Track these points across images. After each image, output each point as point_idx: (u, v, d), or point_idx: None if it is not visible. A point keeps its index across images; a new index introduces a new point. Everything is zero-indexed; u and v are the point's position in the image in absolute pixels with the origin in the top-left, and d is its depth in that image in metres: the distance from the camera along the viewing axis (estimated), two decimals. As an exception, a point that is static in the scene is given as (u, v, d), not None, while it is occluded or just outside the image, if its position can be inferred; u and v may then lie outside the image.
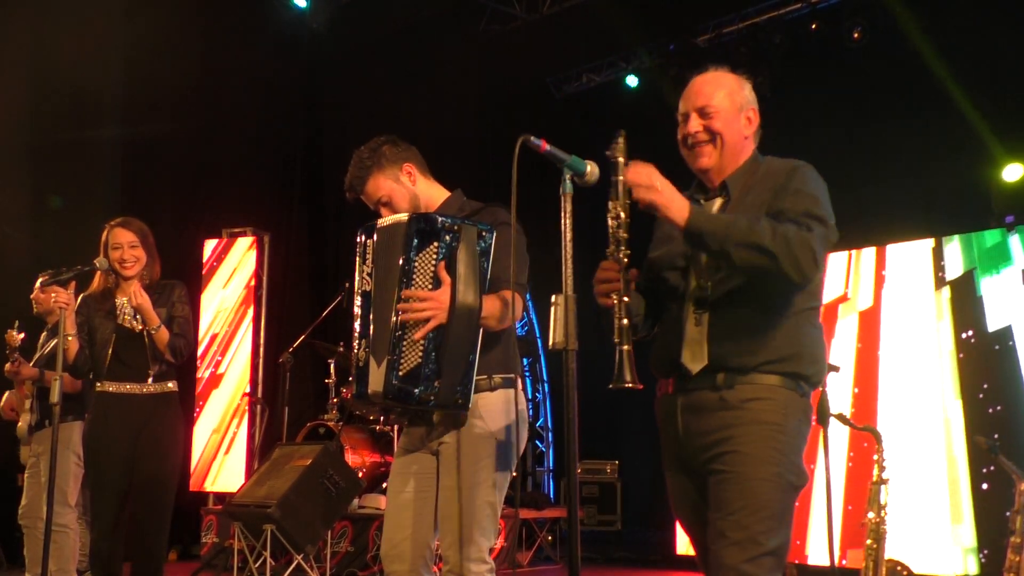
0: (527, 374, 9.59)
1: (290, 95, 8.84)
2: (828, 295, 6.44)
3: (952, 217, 6.62)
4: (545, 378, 9.77)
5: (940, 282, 6.28)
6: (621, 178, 2.19)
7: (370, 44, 8.60)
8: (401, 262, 2.58)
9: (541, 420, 9.68)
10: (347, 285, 6.35)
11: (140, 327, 4.02)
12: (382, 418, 6.81)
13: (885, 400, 6.31)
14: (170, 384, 4.12)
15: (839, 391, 6.34)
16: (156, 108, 7.67)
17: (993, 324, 6.02)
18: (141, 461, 3.97)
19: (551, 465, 9.52)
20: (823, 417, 3.72)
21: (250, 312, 7.96)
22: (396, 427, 6.47)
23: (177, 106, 7.78)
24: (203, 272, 8.07)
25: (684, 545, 6.77)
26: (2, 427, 5.23)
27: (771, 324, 2.29)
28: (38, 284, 4.92)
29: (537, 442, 9.47)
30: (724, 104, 2.41)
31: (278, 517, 5.22)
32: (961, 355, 6.11)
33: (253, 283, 7.99)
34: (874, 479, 4.19)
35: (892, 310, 6.46)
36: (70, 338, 3.99)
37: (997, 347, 6.01)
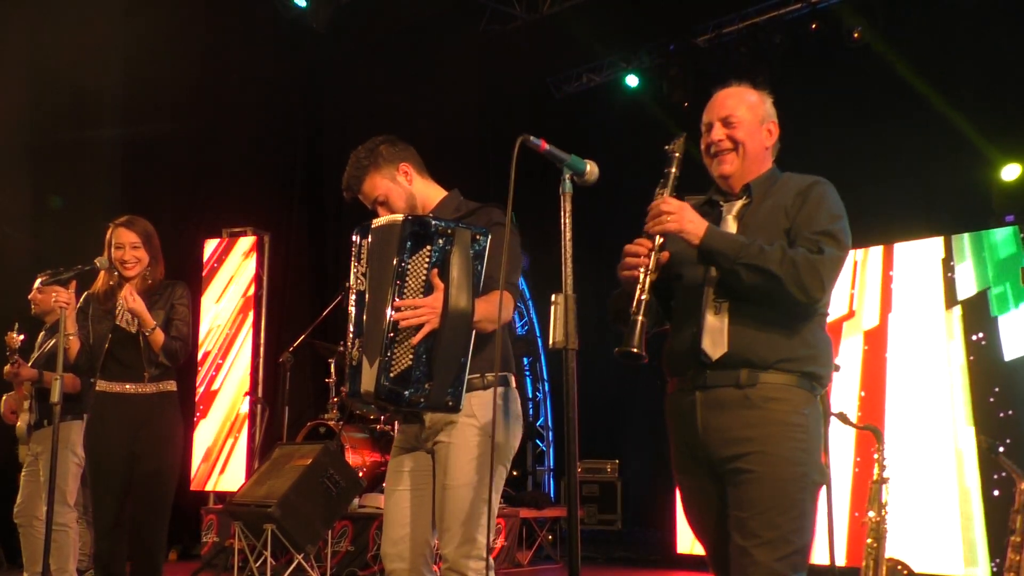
0: (527, 373, 9.60)
1: (290, 95, 8.85)
2: (833, 312, 6.30)
3: (953, 216, 6.60)
4: (545, 377, 9.77)
5: (951, 300, 6.09)
6: (674, 170, 2.41)
7: (370, 44, 8.60)
8: (394, 264, 2.58)
9: (541, 419, 9.68)
10: (347, 285, 6.34)
11: (136, 328, 4.03)
12: (382, 417, 6.83)
13: (892, 402, 6.23)
14: (169, 384, 4.11)
15: (845, 395, 6.29)
16: (156, 108, 7.68)
17: (1010, 353, 5.81)
18: (140, 460, 3.97)
19: (551, 464, 9.52)
20: (823, 416, 3.72)
21: (250, 312, 7.96)
22: (396, 426, 6.47)
23: (177, 106, 7.79)
24: (203, 272, 8.07)
25: (684, 545, 6.73)
26: (2, 428, 5.23)
27: (788, 323, 2.36)
28: (36, 284, 4.93)
29: (537, 441, 9.47)
30: (747, 116, 2.53)
31: (278, 516, 5.22)
32: (971, 357, 5.96)
33: (253, 283, 8.00)
34: (875, 478, 4.19)
35: (899, 328, 6.32)
36: (71, 337, 4.00)
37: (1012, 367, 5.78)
